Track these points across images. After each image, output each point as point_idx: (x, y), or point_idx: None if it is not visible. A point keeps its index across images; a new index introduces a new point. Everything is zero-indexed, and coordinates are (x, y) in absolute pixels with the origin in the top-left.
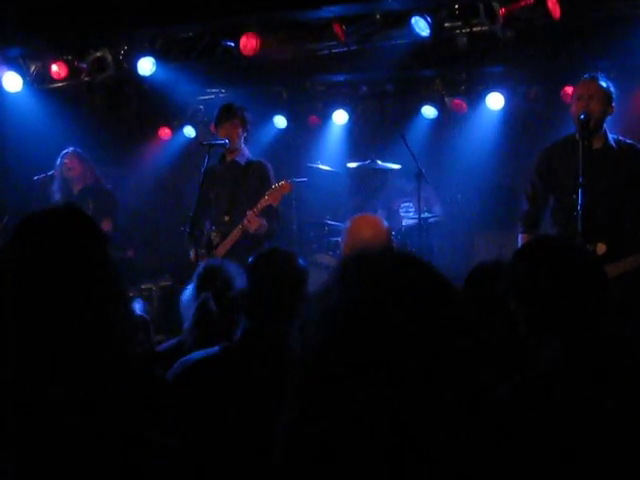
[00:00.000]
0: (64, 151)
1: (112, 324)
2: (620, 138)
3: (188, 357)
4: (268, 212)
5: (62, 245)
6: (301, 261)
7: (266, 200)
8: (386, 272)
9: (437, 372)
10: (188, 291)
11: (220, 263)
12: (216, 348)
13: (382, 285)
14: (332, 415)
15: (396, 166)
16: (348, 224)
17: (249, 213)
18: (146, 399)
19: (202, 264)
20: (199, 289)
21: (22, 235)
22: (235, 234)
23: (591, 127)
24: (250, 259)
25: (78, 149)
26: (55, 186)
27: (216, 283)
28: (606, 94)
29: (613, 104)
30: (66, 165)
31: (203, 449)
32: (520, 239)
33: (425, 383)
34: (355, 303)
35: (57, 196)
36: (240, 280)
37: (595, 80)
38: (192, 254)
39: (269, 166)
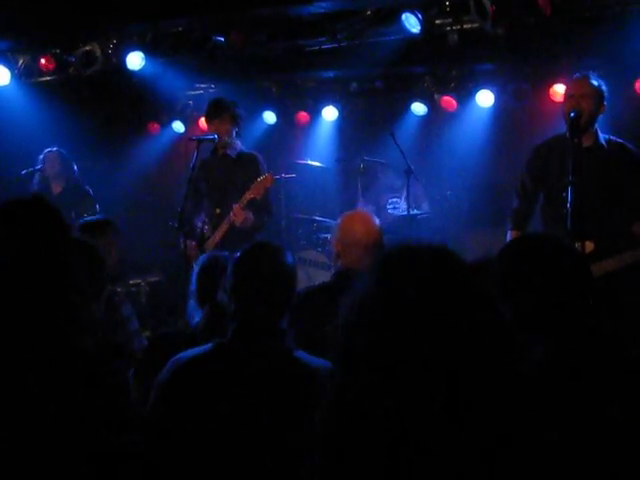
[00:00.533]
0: (46, 150)
1: (65, 316)
2: (611, 137)
3: (181, 355)
4: (255, 205)
5: (22, 236)
6: (289, 255)
7: (250, 193)
8: (432, 267)
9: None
10: (192, 285)
11: (224, 255)
12: (208, 345)
13: (428, 280)
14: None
15: (383, 161)
16: (340, 221)
17: (235, 206)
18: (100, 395)
19: (203, 256)
20: (200, 280)
21: None
22: (223, 227)
23: (581, 125)
24: (236, 255)
25: (62, 150)
26: (34, 186)
27: (221, 274)
28: (597, 93)
29: (604, 103)
30: (48, 165)
31: (196, 445)
32: (509, 236)
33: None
34: (403, 299)
35: None
36: None
37: (586, 79)
38: (182, 245)
39: (260, 158)
